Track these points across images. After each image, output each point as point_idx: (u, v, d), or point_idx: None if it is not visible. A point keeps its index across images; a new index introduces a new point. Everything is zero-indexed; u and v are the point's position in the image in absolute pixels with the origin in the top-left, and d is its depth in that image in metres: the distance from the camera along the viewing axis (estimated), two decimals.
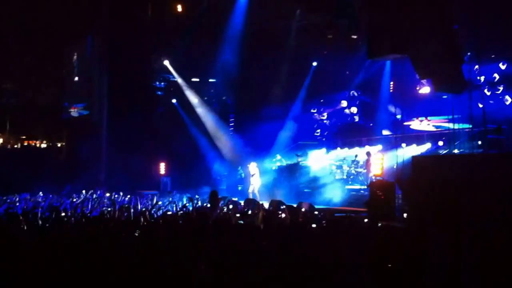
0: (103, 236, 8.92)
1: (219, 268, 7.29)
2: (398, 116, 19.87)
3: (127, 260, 7.51)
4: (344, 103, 25.56)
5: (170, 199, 19.50)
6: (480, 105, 16.13)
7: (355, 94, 25.13)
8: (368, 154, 20.37)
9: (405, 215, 13.89)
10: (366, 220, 13.13)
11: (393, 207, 14.94)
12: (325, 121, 26.54)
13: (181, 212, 13.65)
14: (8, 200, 17.19)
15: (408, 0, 14.49)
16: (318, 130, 26.62)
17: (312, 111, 26.81)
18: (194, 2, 25.80)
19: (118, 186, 22.63)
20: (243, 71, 27.13)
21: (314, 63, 25.91)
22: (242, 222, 11.22)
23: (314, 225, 11.17)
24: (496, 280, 9.79)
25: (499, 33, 17.50)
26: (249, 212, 13.16)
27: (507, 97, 18.30)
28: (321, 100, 26.51)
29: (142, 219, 11.59)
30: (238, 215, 12.67)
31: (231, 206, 14.69)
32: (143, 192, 22.27)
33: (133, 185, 24.36)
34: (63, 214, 12.55)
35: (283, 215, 11.93)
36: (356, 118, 25.23)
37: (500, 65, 18.50)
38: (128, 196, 19.91)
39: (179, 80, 27.96)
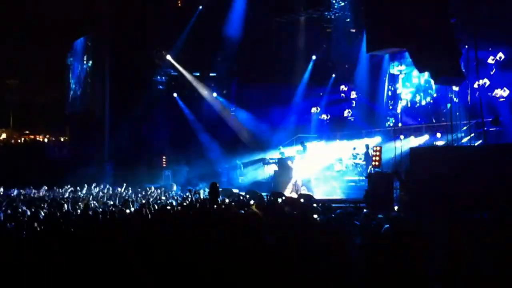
0: (106, 230, 9.11)
1: (219, 259, 7.45)
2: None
3: (128, 253, 7.68)
4: (343, 96, 25.71)
5: (171, 192, 19.71)
6: (478, 97, 16.25)
7: (354, 94, 25.31)
8: (367, 146, 20.58)
9: (396, 208, 14.08)
10: (365, 210, 13.33)
11: (392, 198, 15.13)
12: (324, 114, 26.66)
13: (183, 204, 13.83)
14: (12, 195, 17.37)
15: None
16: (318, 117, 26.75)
17: (313, 110, 26.93)
18: None
19: (120, 179, 22.83)
20: (243, 66, 27.28)
21: (314, 57, 26.03)
22: (242, 212, 11.36)
23: (316, 216, 11.33)
24: (493, 267, 10.01)
25: (496, 26, 17.63)
26: (251, 202, 13.31)
27: (505, 88, 18.44)
28: (320, 93, 26.65)
29: (144, 212, 11.80)
30: (239, 207, 12.84)
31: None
32: (145, 186, 22.44)
33: (135, 178, 24.56)
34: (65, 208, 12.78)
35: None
36: (355, 111, 25.39)
37: (498, 57, 18.64)
38: (130, 189, 20.12)
39: (184, 72, 28.10)
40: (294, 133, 25.64)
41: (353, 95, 25.34)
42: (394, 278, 9.72)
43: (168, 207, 12.94)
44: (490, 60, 18.75)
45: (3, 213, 11.21)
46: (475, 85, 17.63)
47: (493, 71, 18.66)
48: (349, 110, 25.48)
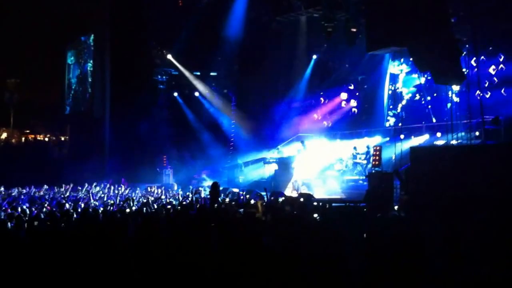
0: (106, 229, 9.12)
1: (219, 259, 7.44)
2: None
3: (128, 254, 7.69)
4: (343, 96, 25.72)
5: (172, 191, 19.74)
6: (478, 97, 16.26)
7: (355, 94, 25.32)
8: (368, 146, 20.62)
9: (396, 207, 14.09)
10: (365, 210, 13.36)
11: (392, 197, 15.15)
12: (324, 114, 26.66)
13: (183, 203, 13.84)
14: (13, 194, 17.36)
15: None
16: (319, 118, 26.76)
17: (313, 109, 26.90)
18: None
19: (120, 179, 22.85)
20: (244, 65, 27.29)
21: (314, 56, 26.05)
22: (241, 211, 11.37)
23: (315, 215, 11.36)
24: (491, 265, 10.01)
25: (497, 26, 17.64)
26: (252, 201, 13.33)
27: (504, 87, 18.46)
28: (321, 93, 26.66)
29: (144, 211, 11.82)
30: (239, 206, 12.86)
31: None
32: (145, 185, 22.47)
33: (135, 178, 24.60)
34: (67, 206, 12.78)
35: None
36: (355, 111, 25.39)
37: (498, 56, 18.65)
38: (129, 188, 20.14)
39: (185, 71, 28.12)
40: (294, 133, 25.67)
41: (354, 94, 25.33)
42: (394, 278, 9.74)
43: (169, 206, 12.97)
44: (491, 60, 18.74)
45: (3, 212, 11.22)
46: (476, 84, 17.63)
47: (495, 71, 18.66)
48: (350, 109, 25.49)
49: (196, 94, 28.99)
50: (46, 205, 13.36)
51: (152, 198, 15.92)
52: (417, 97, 22.35)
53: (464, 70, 15.67)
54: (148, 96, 28.24)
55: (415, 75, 22.06)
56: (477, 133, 16.85)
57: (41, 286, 6.88)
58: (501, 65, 18.54)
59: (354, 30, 22.29)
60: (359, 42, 22.21)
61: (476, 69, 17.30)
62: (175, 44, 27.40)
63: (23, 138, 37.70)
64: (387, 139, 21.11)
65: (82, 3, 30.08)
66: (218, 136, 28.10)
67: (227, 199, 14.44)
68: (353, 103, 25.52)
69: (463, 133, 17.09)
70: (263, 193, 15.07)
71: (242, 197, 15.00)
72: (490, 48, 18.56)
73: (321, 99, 26.78)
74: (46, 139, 38.19)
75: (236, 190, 18.28)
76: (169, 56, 27.86)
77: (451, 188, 13.10)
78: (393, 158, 17.63)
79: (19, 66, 33.00)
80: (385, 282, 10.08)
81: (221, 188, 14.71)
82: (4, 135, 36.61)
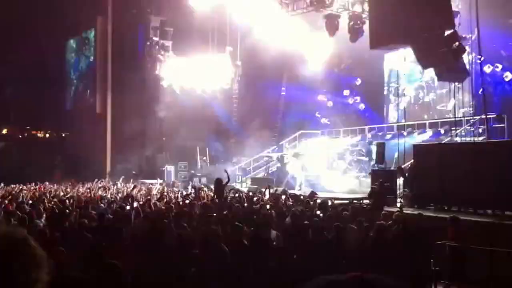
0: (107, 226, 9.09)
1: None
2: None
3: (129, 249, 7.65)
4: (346, 93, 25.64)
5: (174, 188, 19.74)
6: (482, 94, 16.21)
7: (358, 91, 25.22)
8: (370, 143, 20.57)
9: (399, 204, 14.06)
10: (368, 207, 13.34)
11: (395, 194, 15.13)
12: (327, 111, 26.57)
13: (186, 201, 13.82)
14: (14, 192, 17.34)
15: None
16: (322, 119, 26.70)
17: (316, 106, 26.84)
18: None
19: (122, 175, 22.84)
20: (247, 62, 27.22)
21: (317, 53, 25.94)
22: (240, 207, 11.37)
23: (319, 212, 11.33)
24: (494, 262, 9.99)
25: (501, 23, 17.58)
26: (254, 198, 13.34)
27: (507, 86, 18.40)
28: (324, 90, 26.57)
29: (146, 207, 11.78)
30: (241, 203, 12.85)
31: (236, 195, 14.85)
32: (147, 182, 22.46)
33: (137, 174, 24.59)
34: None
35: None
36: (361, 107, 25.28)
37: (502, 52, 18.58)
38: (132, 185, 20.11)
39: (187, 68, 28.02)
40: (298, 129, 25.71)
41: (357, 91, 25.25)
42: (397, 274, 9.67)
43: (173, 200, 12.95)
44: (494, 57, 18.64)
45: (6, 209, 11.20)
46: (479, 82, 17.56)
47: (499, 68, 18.58)
48: (352, 106, 25.40)
49: (199, 91, 28.90)
50: (47, 202, 13.34)
51: (154, 194, 15.91)
52: (421, 93, 22.29)
53: (467, 67, 15.65)
54: (150, 92, 28.19)
55: (418, 72, 22.00)
56: (480, 130, 16.81)
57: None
58: (505, 62, 18.46)
59: (357, 27, 22.27)
60: (363, 39, 22.17)
61: (479, 66, 17.24)
62: (177, 40, 27.36)
63: (25, 134, 37.61)
64: (390, 135, 21.04)
65: None
66: (220, 133, 28.07)
67: (230, 195, 14.43)
68: (356, 100, 25.42)
69: (466, 130, 17.05)
70: (264, 190, 15.10)
71: (244, 194, 15.01)
72: (494, 45, 18.46)
73: (324, 96, 26.69)
74: (47, 135, 38.10)
75: (238, 186, 18.28)
76: (171, 53, 27.79)
77: (454, 185, 13.09)
78: (396, 154, 17.58)
79: (21, 61, 32.83)
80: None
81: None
82: (5, 131, 36.55)
